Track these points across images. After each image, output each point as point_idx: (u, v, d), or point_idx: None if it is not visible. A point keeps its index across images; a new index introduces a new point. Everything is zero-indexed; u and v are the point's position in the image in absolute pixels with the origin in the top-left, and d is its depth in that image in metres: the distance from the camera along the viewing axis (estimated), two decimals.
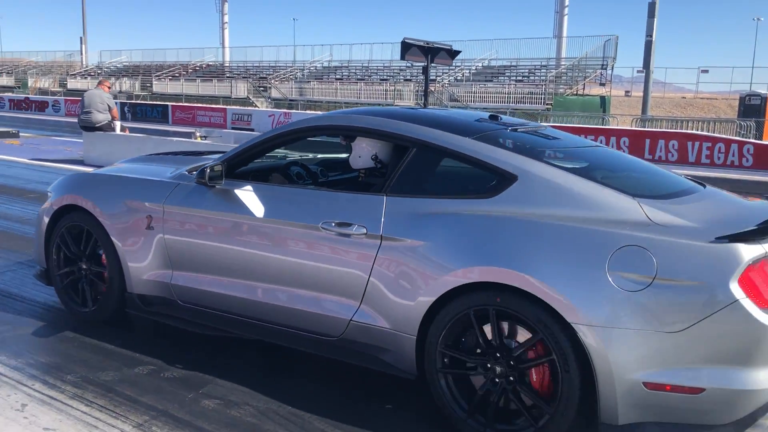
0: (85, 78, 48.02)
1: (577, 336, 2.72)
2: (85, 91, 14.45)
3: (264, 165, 4.31)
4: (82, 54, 54.66)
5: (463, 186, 3.54)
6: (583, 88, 30.10)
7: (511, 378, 2.91)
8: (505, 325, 2.96)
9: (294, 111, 27.88)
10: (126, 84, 43.86)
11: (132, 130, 14.57)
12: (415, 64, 15.93)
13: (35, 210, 6.28)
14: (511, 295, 2.87)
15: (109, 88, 13.23)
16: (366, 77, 36.32)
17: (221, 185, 3.74)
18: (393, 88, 31.90)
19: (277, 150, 4.15)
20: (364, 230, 3.26)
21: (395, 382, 3.43)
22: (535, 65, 32.50)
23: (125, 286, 4.08)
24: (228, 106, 29.70)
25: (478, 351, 3.00)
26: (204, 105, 31.87)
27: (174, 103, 31.61)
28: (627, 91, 46.64)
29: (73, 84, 47.24)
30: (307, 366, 3.80)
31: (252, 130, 24.33)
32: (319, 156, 4.91)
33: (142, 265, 4.01)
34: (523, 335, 2.92)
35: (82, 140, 13.29)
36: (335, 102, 34.08)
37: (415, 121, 3.56)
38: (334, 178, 4.33)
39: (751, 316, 2.56)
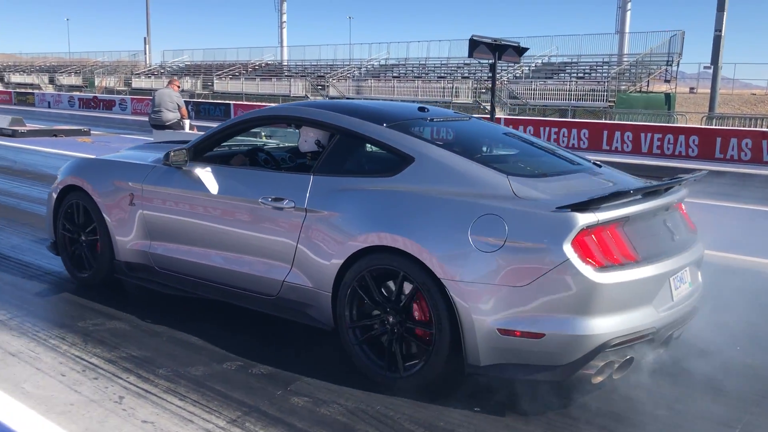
0: (149, 77, 49.38)
1: (446, 290, 3.25)
2: (152, 90, 14.83)
3: (228, 150, 4.92)
4: (145, 54, 56.20)
5: (372, 166, 4.09)
6: (647, 85, 29.27)
7: (401, 328, 3.45)
8: (396, 283, 3.48)
9: None
10: (188, 83, 44.89)
11: (196, 128, 14.87)
12: (481, 61, 15.75)
13: None
14: (398, 256, 3.43)
15: (179, 87, 13.55)
16: (423, 75, 36.22)
17: (186, 167, 4.35)
18: (451, 85, 31.73)
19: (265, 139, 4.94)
20: (293, 204, 3.84)
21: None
22: (596, 62, 31.80)
23: (114, 254, 4.73)
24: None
25: (376, 305, 3.54)
26: (265, 104, 32.36)
27: (236, 102, 32.16)
28: (692, 88, 45.13)
29: (137, 83, 48.61)
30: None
31: None
32: (284, 144, 5.42)
33: (126, 236, 4.66)
34: (408, 291, 3.43)
35: (151, 138, 13.64)
36: (392, 100, 34.15)
37: (343, 111, 4.18)
38: (283, 160, 4.82)
39: (580, 273, 3.06)
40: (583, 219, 3.13)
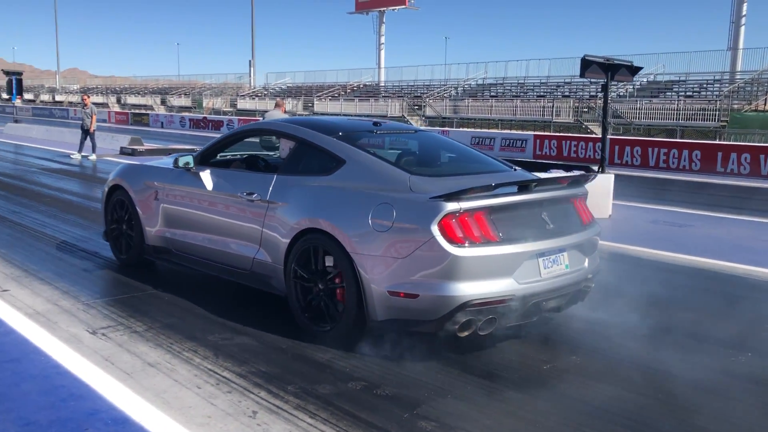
0: (253, 98, 51.37)
1: (353, 261, 4.19)
2: (257, 110, 15.36)
3: (229, 157, 5.96)
4: (250, 76, 58.53)
5: (316, 167, 4.88)
6: (765, 104, 27.63)
7: (325, 291, 4.43)
8: (322, 256, 4.44)
9: (450, 129, 28.04)
10: (290, 104, 46.39)
11: None
12: (590, 80, 15.40)
13: None
14: (322, 235, 4.41)
15: (285, 109, 14.02)
16: (521, 94, 35.75)
17: (193, 170, 5.49)
18: (551, 104, 31.14)
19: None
20: (260, 197, 4.90)
21: None
22: (706, 80, 30.35)
23: (144, 240, 5.91)
24: None
25: (310, 274, 4.50)
26: None
27: None
28: None
29: (242, 104, 50.68)
30: (524, 390, 3.74)
31: None
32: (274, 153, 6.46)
33: (153, 225, 5.84)
34: (329, 262, 4.39)
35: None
36: (490, 119, 33.91)
37: (304, 125, 5.19)
38: (266, 165, 5.65)
39: (443, 248, 3.92)
40: (449, 206, 3.98)
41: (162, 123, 41.67)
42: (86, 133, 17.40)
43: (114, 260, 6.41)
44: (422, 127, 7.35)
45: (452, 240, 3.95)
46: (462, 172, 4.85)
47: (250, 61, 57.77)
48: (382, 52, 53.01)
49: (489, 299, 3.99)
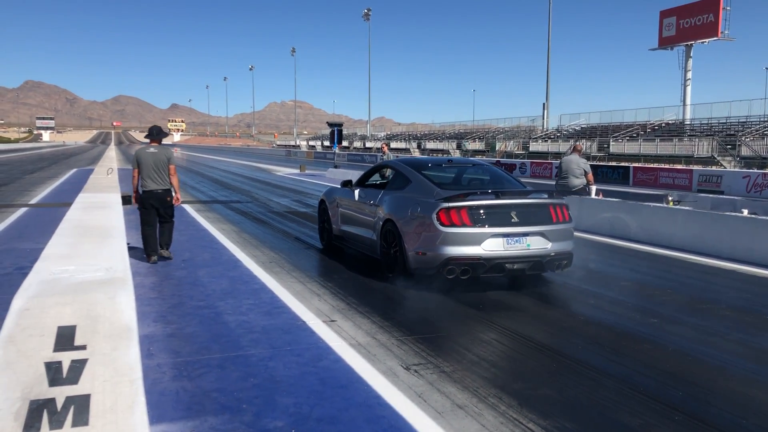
0: (546, 141, 51.40)
1: (401, 236, 7.41)
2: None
3: (370, 182, 9.39)
4: (543, 118, 58.80)
5: (398, 186, 8.19)
6: None
7: (393, 249, 7.68)
8: (392, 234, 7.74)
9: None
10: (584, 145, 45.40)
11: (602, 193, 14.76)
12: None
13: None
14: (391, 223, 7.71)
15: (581, 151, 13.76)
16: None
17: (353, 188, 9.18)
18: None
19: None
20: (374, 203, 8.34)
21: None
22: None
23: (332, 231, 9.76)
24: (693, 167, 28.09)
25: (387, 241, 7.83)
26: (667, 165, 30.78)
27: (636, 164, 31.23)
28: None
29: (534, 147, 51.05)
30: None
31: (722, 192, 22.43)
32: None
33: (336, 223, 9.61)
34: (394, 234, 7.74)
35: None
36: None
37: (400, 161, 8.81)
38: (381, 184, 9.16)
39: (437, 228, 6.97)
40: (443, 205, 7.03)
41: None
42: None
43: (422, 304, 6.90)
44: (481, 160, 12.48)
45: (443, 223, 7.01)
46: (479, 188, 8.05)
47: (543, 103, 58.19)
48: (688, 88, 49.21)
49: (462, 257, 6.94)
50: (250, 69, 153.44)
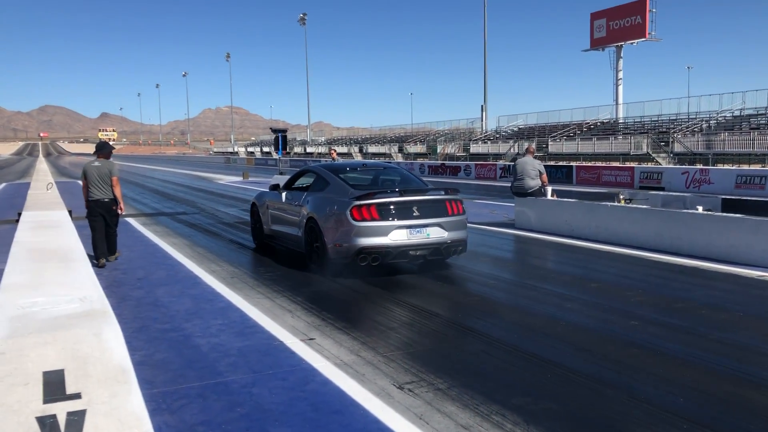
0: (486, 142, 52.03)
1: (321, 230, 8.57)
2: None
3: (296, 185, 10.27)
4: (482, 120, 59.45)
5: (319, 187, 9.23)
6: None
7: (314, 243, 8.83)
8: (313, 230, 8.84)
9: (710, 167, 25.67)
10: (523, 146, 46.18)
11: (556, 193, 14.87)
12: None
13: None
14: (313, 220, 8.78)
15: (534, 153, 13.84)
16: None
17: (281, 192, 10.22)
18: None
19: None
20: (299, 204, 9.41)
21: None
22: None
23: (263, 230, 10.78)
24: (633, 164, 28.84)
25: (310, 236, 8.97)
26: (609, 164, 31.52)
27: (578, 164, 31.86)
28: None
29: (475, 148, 51.57)
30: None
31: (663, 189, 23.09)
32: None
33: (266, 223, 10.63)
34: (315, 230, 8.72)
35: (504, 203, 14.09)
36: (752, 154, 30.50)
37: (322, 167, 9.92)
38: (304, 186, 10.05)
39: (350, 222, 8.12)
40: (355, 203, 8.12)
41: None
42: None
43: (400, 318, 6.68)
44: (389, 162, 12.91)
45: (355, 218, 8.12)
46: (388, 188, 8.95)
47: (482, 105, 58.83)
48: (620, 88, 50.76)
49: (372, 246, 8.07)
50: (184, 75, 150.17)
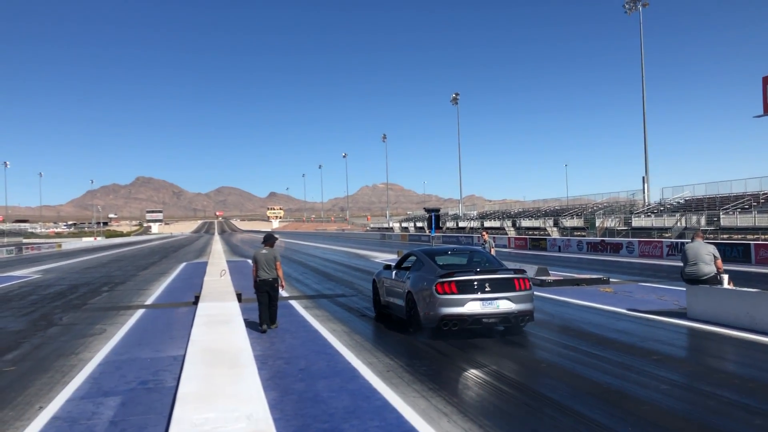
0: (649, 215, 49.36)
1: (415, 300, 11.27)
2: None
3: (403, 265, 12.92)
4: (644, 192, 56.72)
5: (418, 267, 11.87)
6: None
7: (411, 311, 11.68)
8: (410, 299, 11.74)
9: None
10: (691, 219, 43.20)
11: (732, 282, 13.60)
12: None
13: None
14: (410, 293, 11.66)
15: (703, 238, 12.85)
16: None
17: (392, 270, 13.27)
18: None
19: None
20: (403, 281, 12.22)
21: None
22: None
23: (380, 301, 13.79)
24: None
25: (408, 307, 11.84)
26: None
27: (756, 240, 29.19)
28: None
29: (637, 222, 49.05)
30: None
31: None
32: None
33: (382, 295, 13.59)
34: (412, 301, 11.56)
35: (673, 286, 13.08)
36: None
37: (419, 251, 12.66)
38: (409, 266, 12.66)
39: (435, 295, 10.62)
40: (439, 280, 10.68)
41: (559, 247, 42.60)
42: None
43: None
44: (477, 248, 15.81)
45: (438, 292, 10.48)
46: (470, 268, 11.11)
47: (643, 177, 56.29)
48: None
49: (451, 315, 10.37)
50: (344, 156, 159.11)
